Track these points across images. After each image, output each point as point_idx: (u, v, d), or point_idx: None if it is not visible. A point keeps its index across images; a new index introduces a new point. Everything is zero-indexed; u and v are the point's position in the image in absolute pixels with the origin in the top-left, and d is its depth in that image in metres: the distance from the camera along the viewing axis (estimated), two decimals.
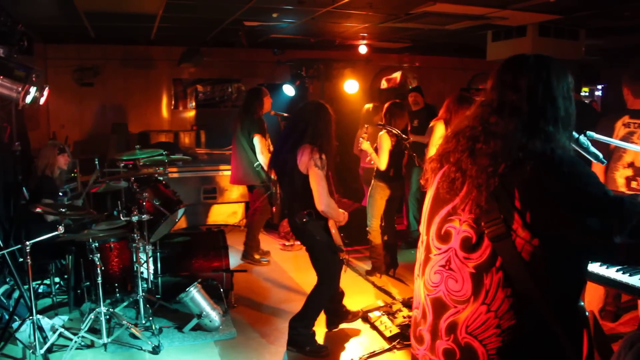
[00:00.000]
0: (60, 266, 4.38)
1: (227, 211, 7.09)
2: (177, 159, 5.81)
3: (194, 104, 9.18)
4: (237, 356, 3.59)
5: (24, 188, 4.71)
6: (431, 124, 4.49)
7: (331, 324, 3.93)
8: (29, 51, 5.75)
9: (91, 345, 3.56)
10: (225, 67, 9.09)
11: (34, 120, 7.71)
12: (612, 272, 2.22)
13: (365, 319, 4.05)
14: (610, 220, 1.28)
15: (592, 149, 1.63)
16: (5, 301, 3.98)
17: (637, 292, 2.14)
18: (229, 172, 6.00)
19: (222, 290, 4.20)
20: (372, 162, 4.81)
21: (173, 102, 9.04)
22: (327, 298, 3.66)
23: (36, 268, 3.82)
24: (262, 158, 5.16)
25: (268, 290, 4.88)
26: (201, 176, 6.80)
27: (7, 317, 3.66)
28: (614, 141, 2.25)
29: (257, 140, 5.19)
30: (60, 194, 4.73)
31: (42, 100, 4.07)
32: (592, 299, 3.53)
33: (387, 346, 3.62)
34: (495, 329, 1.34)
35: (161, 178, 4.64)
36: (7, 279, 4.32)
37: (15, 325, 3.54)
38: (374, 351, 3.56)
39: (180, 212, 4.39)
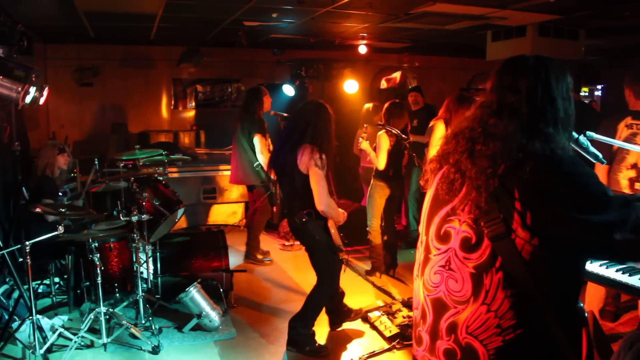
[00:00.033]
0: (60, 266, 4.38)
1: (227, 211, 7.08)
2: (177, 159, 5.80)
3: (193, 104, 9.17)
4: (236, 356, 3.59)
5: (23, 188, 4.71)
6: (431, 124, 4.49)
7: (334, 323, 3.93)
8: (28, 51, 5.75)
9: (91, 345, 3.56)
10: (225, 67, 9.08)
11: (34, 120, 7.72)
12: (612, 272, 2.22)
13: (365, 319, 4.06)
14: (610, 219, 1.29)
15: (592, 149, 1.63)
16: (5, 301, 3.98)
17: (637, 292, 2.14)
18: (228, 172, 5.99)
19: (221, 290, 4.20)
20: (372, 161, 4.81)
21: (173, 102, 9.03)
22: (326, 298, 3.66)
23: (36, 268, 3.82)
24: (262, 158, 5.16)
25: (268, 290, 4.88)
26: (201, 176, 6.79)
27: (6, 317, 3.66)
28: (615, 142, 2.24)
29: (257, 140, 5.19)
30: (60, 194, 4.72)
31: (41, 100, 4.07)
32: (592, 299, 3.53)
33: (386, 346, 3.63)
34: (496, 329, 1.34)
35: (161, 178, 4.64)
36: (7, 279, 4.32)
37: (15, 325, 3.54)
38: (374, 351, 3.57)
39: (180, 212, 4.39)
